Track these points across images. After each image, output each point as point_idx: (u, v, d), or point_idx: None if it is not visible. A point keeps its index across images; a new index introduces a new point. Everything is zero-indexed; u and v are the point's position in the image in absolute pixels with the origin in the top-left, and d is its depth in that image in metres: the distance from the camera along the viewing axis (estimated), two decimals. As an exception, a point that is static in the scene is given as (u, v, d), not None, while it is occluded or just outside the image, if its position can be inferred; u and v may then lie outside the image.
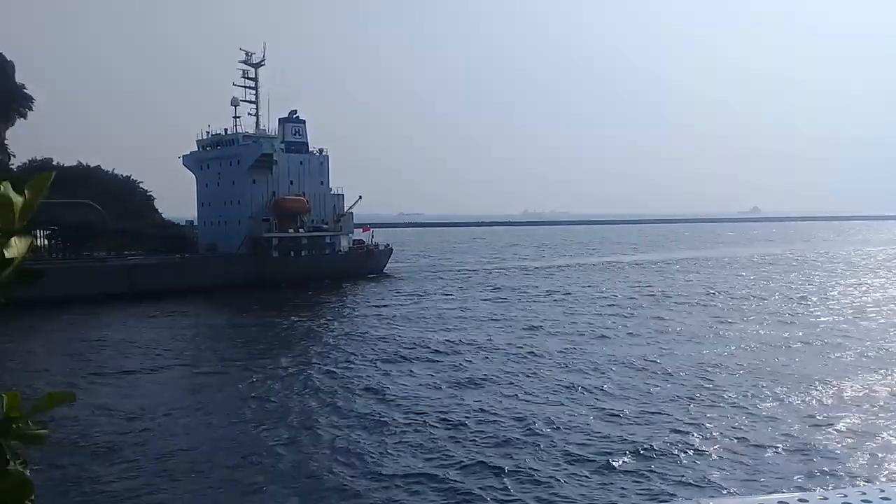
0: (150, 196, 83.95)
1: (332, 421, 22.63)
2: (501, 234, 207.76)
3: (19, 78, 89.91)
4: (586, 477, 17.31)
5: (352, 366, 31.43)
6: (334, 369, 30.70)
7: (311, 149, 75.94)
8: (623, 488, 16.63)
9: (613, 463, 18.05)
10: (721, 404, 23.43)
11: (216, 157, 72.40)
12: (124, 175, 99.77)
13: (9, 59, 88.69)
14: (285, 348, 36.57)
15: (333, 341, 38.32)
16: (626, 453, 18.66)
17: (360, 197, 76.71)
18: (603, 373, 28.66)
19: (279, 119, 75.53)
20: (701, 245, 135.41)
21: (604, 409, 23.16)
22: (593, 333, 38.22)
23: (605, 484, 16.91)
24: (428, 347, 34.96)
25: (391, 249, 79.07)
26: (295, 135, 75.15)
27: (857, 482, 16.38)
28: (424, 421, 22.05)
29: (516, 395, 25.15)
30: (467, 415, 22.68)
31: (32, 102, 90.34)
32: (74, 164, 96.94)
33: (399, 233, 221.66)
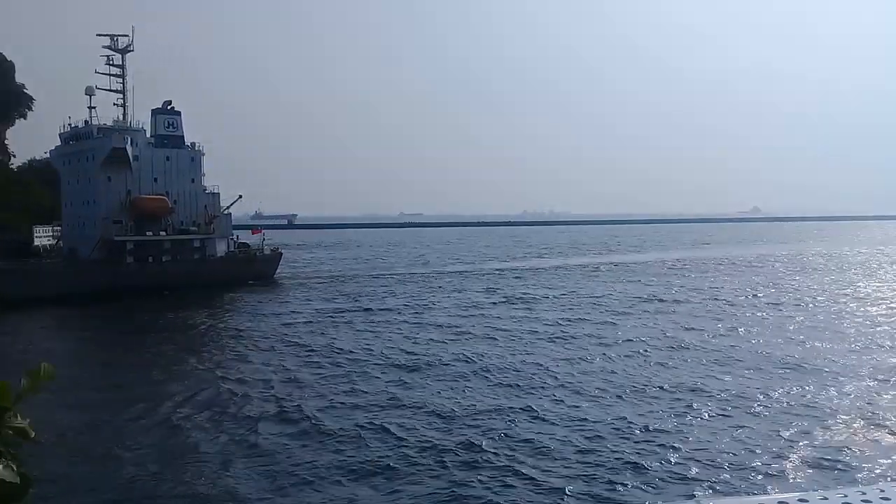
0: None
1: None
2: (481, 234, 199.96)
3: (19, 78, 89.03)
4: (584, 479, 17.04)
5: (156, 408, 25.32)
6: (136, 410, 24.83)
7: (187, 143, 69.19)
8: (623, 488, 16.41)
9: (612, 463, 17.88)
10: (719, 404, 23.21)
11: (75, 153, 65.84)
12: None
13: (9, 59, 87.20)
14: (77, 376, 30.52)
15: (144, 369, 31.90)
16: (623, 454, 18.48)
17: (240, 196, 69.85)
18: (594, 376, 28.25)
19: (151, 110, 68.88)
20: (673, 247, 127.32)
21: (594, 408, 23.14)
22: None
23: (603, 484, 16.70)
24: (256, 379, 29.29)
25: (280, 254, 72.25)
26: (168, 127, 68.41)
27: (857, 482, 16.02)
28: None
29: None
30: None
31: (32, 102, 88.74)
32: None
33: (396, 233, 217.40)
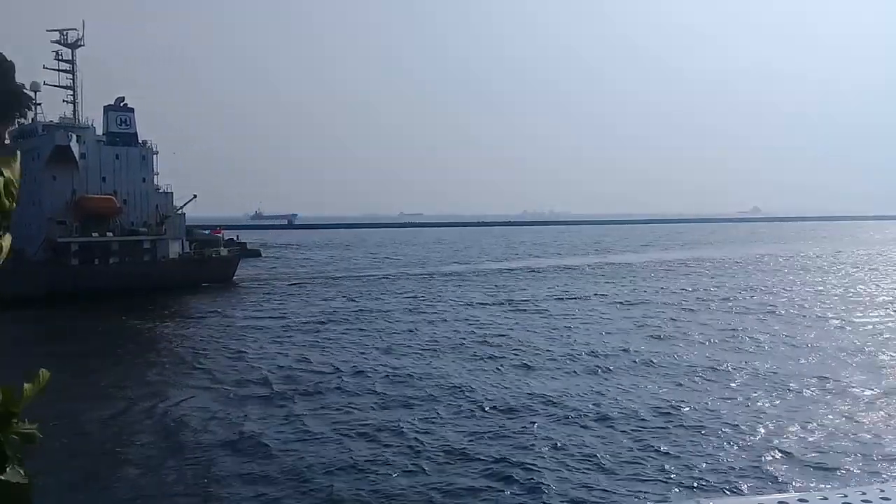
0: None
1: None
2: (480, 234, 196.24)
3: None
4: (583, 481, 16.77)
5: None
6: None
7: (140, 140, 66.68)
8: (623, 487, 16.31)
9: (611, 462, 17.76)
10: (719, 403, 23.09)
11: (21, 151, 63.23)
12: None
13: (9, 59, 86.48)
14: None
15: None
16: (622, 453, 18.41)
17: (195, 196, 66.93)
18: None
19: (104, 107, 66.53)
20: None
21: (594, 407, 22.94)
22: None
23: (603, 483, 16.57)
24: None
25: (238, 256, 69.56)
26: (121, 125, 65.97)
27: (857, 482, 15.83)
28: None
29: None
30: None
31: (32, 102, 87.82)
32: None
33: (394, 233, 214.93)
